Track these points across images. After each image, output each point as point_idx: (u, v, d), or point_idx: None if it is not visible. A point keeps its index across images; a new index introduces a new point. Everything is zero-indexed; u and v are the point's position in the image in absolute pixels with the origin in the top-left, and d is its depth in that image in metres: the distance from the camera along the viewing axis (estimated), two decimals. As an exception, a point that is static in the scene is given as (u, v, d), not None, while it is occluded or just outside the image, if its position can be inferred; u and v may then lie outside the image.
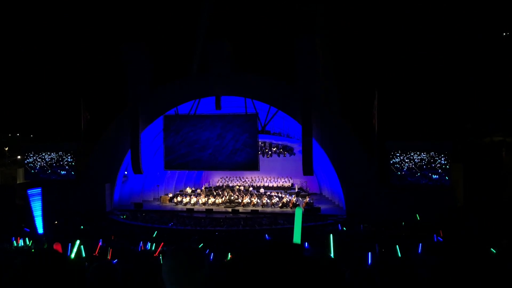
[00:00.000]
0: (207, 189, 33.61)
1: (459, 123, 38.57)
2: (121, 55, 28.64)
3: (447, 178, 25.87)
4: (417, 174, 26.22)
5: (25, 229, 20.59)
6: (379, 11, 43.91)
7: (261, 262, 1.08)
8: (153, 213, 28.23)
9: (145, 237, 19.23)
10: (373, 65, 40.85)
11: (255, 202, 29.20)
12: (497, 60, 40.09)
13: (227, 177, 35.93)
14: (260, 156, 29.19)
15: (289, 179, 34.34)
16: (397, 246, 11.91)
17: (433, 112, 38.30)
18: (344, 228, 22.70)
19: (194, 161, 28.85)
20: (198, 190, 33.18)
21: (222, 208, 28.99)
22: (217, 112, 28.37)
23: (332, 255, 9.63)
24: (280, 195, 30.87)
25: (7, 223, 21.72)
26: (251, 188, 33.12)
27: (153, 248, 16.03)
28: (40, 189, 8.21)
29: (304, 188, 33.60)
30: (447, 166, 25.92)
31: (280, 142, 30.52)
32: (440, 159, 25.99)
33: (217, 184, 35.80)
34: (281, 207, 28.36)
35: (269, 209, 28.13)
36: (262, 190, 32.64)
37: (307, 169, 26.30)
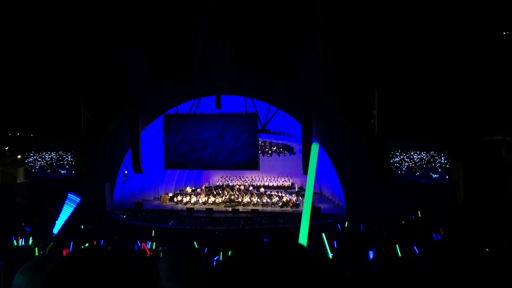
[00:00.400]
0: (207, 189, 33.63)
1: (459, 122, 38.57)
2: (121, 55, 28.62)
3: (447, 177, 25.89)
4: (417, 173, 26.24)
5: (26, 228, 20.62)
6: (379, 10, 43.91)
7: (257, 262, 1.08)
8: (153, 212, 28.23)
9: (145, 237, 19.26)
10: (373, 65, 40.85)
11: (255, 202, 29.21)
12: (497, 59, 40.07)
13: (227, 177, 35.95)
14: (260, 155, 29.21)
15: (289, 178, 34.36)
16: (397, 245, 11.93)
17: (433, 111, 38.30)
18: (346, 225, 22.74)
19: (194, 161, 28.87)
20: (198, 190, 33.20)
21: (222, 208, 29.00)
22: (217, 112, 28.38)
23: (330, 255, 9.63)
24: (280, 194, 30.89)
25: (7, 223, 21.74)
26: (251, 188, 33.14)
27: (153, 247, 16.06)
28: (80, 199, 8.26)
29: (304, 188, 33.60)
30: (447, 166, 25.94)
31: (280, 142, 30.53)
32: (440, 158, 26.00)
33: (217, 184, 35.82)
34: (281, 206, 28.38)
35: (269, 209, 28.14)
36: (262, 190, 32.67)
37: (307, 169, 26.27)
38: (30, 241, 17.85)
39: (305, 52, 25.87)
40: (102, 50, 44.75)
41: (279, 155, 31.06)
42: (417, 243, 13.16)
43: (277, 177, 34.76)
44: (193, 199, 30.37)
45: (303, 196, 30.63)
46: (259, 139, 28.44)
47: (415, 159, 26.33)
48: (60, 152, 30.56)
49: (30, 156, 30.81)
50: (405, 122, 35.50)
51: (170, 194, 31.91)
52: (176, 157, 28.95)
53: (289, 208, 27.89)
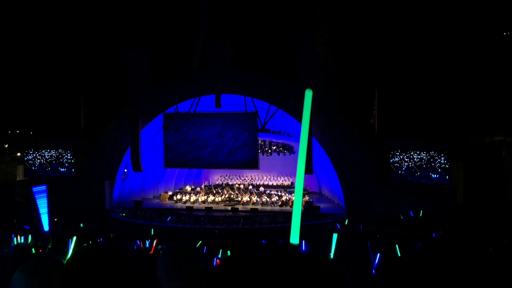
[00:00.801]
0: (206, 187, 33.62)
1: (459, 122, 38.58)
2: (121, 54, 28.61)
3: (447, 177, 25.88)
4: (417, 173, 26.23)
5: (25, 226, 20.59)
6: (379, 10, 43.90)
7: (253, 262, 1.08)
8: (152, 211, 28.23)
9: (145, 235, 19.24)
10: (373, 64, 40.84)
11: (255, 201, 29.22)
12: (497, 59, 40.07)
13: (226, 176, 35.95)
14: (260, 154, 29.20)
15: (289, 177, 34.36)
16: (396, 245, 11.91)
17: (433, 111, 38.30)
18: (346, 223, 22.73)
19: (194, 159, 28.86)
20: (198, 188, 33.20)
21: (221, 206, 29.00)
22: (217, 111, 28.36)
23: (332, 255, 9.61)
24: (279, 193, 30.88)
25: (7, 221, 21.72)
26: (250, 187, 33.13)
27: (152, 246, 16.03)
28: (45, 186, 8.19)
29: (304, 187, 33.49)
30: (447, 166, 25.94)
31: (280, 141, 30.53)
32: (440, 158, 25.99)
33: (217, 183, 35.82)
34: (280, 205, 28.38)
35: (268, 208, 28.15)
36: (261, 189, 32.66)
37: (307, 168, 26.27)
38: (29, 239, 17.83)
39: (305, 52, 25.86)
40: (102, 49, 44.75)
41: (278, 154, 31.06)
42: (416, 243, 13.14)
43: (277, 176, 34.75)
44: (193, 197, 30.37)
45: (302, 195, 30.65)
46: (259, 138, 28.44)
47: (415, 159, 26.32)
48: (60, 150, 30.56)
49: (30, 154, 30.81)
50: (405, 122, 35.49)
51: (170, 193, 31.91)
52: (175, 156, 28.94)
53: (288, 207, 27.88)
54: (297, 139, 29.40)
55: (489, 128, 37.35)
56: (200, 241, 15.21)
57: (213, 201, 29.79)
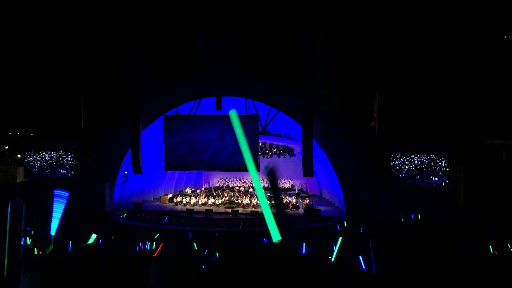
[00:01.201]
0: (207, 190, 33.59)
1: (459, 125, 38.55)
2: (121, 55, 28.63)
3: (447, 181, 25.86)
4: (417, 176, 26.21)
5: (27, 228, 20.56)
6: (380, 11, 43.92)
7: (245, 265, 1.07)
8: (153, 213, 28.21)
9: (145, 237, 19.22)
10: (373, 66, 40.84)
11: (255, 203, 29.18)
12: (498, 61, 40.07)
13: (227, 178, 35.92)
14: (260, 157, 29.17)
15: (289, 180, 34.31)
16: (396, 248, 11.91)
17: (433, 114, 38.28)
18: (345, 225, 22.70)
19: (194, 162, 28.85)
20: (198, 191, 33.16)
21: (221, 209, 28.97)
22: (217, 113, 28.36)
23: (334, 257, 9.58)
24: (280, 196, 30.79)
25: (7, 222, 21.68)
26: (251, 189, 33.10)
27: (153, 248, 16.02)
28: (68, 193, 8.13)
29: (304, 190, 33.58)
30: (447, 169, 25.92)
31: (280, 143, 30.51)
32: (441, 161, 25.98)
33: (217, 185, 35.79)
34: (281, 208, 28.29)
35: (269, 210, 28.06)
36: (262, 191, 32.57)
37: (307, 171, 26.28)
38: (29, 241, 17.82)
39: (305, 52, 25.86)
40: (103, 50, 44.78)
41: (279, 157, 31.02)
42: (416, 246, 13.15)
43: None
44: (193, 200, 30.35)
45: (303, 198, 30.63)
46: (259, 141, 28.42)
47: (415, 162, 26.30)
48: (60, 152, 30.58)
49: (30, 156, 30.83)
50: (405, 125, 35.48)
51: (170, 195, 31.87)
52: (176, 158, 28.94)
53: (288, 210, 27.83)
54: (297, 141, 29.40)
55: (489, 129, 37.34)
56: (194, 243, 15.17)
57: (213, 204, 29.76)
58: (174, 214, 27.66)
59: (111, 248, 1.76)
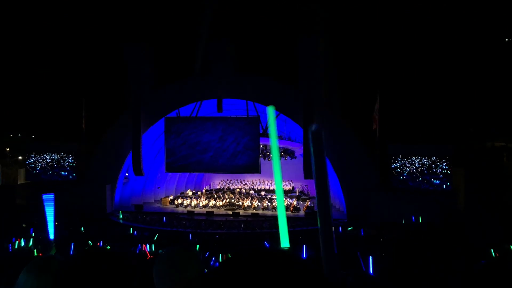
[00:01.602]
0: (207, 192, 33.59)
1: (461, 126, 38.52)
2: (123, 56, 28.67)
3: (448, 183, 25.84)
4: (418, 178, 26.19)
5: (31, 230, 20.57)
6: (381, 13, 43.94)
7: (248, 269, 1.07)
8: (153, 215, 28.20)
9: (146, 239, 19.22)
10: (375, 68, 40.85)
11: (256, 205, 29.18)
12: (498, 64, 40.05)
13: (228, 180, 35.93)
14: (261, 159, 29.18)
15: (290, 182, 34.32)
16: (397, 250, 11.89)
17: (434, 115, 38.25)
18: (348, 228, 22.68)
19: (195, 164, 28.86)
20: (199, 193, 33.17)
21: (222, 211, 28.96)
22: (218, 115, 28.38)
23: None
24: (280, 198, 30.78)
25: (8, 223, 21.72)
26: (252, 191, 33.10)
27: (153, 250, 16.03)
28: (53, 195, 8.20)
29: (305, 192, 33.58)
30: (448, 171, 25.90)
31: (281, 145, 30.52)
32: (442, 164, 25.96)
33: (218, 187, 35.81)
34: (281, 210, 28.28)
35: (269, 213, 28.09)
36: (263, 193, 32.62)
37: (308, 173, 26.28)
38: (30, 243, 17.82)
39: (307, 54, 25.88)
40: (104, 51, 44.83)
41: (280, 159, 31.00)
42: (417, 248, 13.12)
43: (278, 181, 34.68)
44: (194, 202, 30.35)
45: (304, 200, 30.60)
46: (260, 143, 28.44)
47: (416, 165, 26.29)
48: (61, 154, 30.59)
49: (31, 157, 30.85)
50: (406, 127, 35.45)
51: (171, 197, 31.88)
52: (177, 160, 28.95)
53: (289, 212, 27.82)
54: (298, 143, 29.40)
55: (490, 131, 37.30)
56: (198, 245, 15.18)
57: (214, 206, 29.76)
58: (175, 216, 27.65)
59: (110, 250, 1.76)
